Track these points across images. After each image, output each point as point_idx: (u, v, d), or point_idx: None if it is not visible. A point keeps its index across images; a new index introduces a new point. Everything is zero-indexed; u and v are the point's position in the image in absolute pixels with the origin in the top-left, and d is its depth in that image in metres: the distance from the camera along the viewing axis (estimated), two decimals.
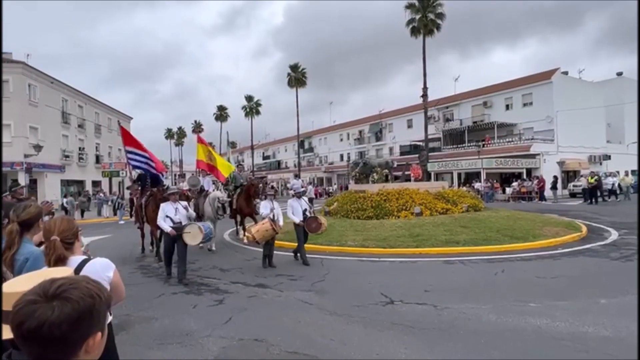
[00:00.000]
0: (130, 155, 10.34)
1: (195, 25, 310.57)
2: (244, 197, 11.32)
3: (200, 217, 10.10)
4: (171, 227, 7.10)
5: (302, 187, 21.59)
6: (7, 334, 1.09)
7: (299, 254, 8.50)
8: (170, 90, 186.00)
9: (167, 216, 7.16)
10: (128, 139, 10.58)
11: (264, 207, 8.25)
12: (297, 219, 8.22)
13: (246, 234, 10.71)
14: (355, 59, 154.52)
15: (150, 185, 10.27)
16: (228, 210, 11.29)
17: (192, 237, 7.15)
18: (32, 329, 0.83)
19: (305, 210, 8.41)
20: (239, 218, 12.12)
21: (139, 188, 10.87)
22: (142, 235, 10.66)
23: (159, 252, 9.36)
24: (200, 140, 12.83)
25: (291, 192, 14.13)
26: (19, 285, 1.19)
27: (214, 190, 11.59)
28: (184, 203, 7.73)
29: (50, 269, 1.76)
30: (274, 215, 8.03)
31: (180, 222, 7.21)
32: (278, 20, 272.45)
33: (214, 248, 10.29)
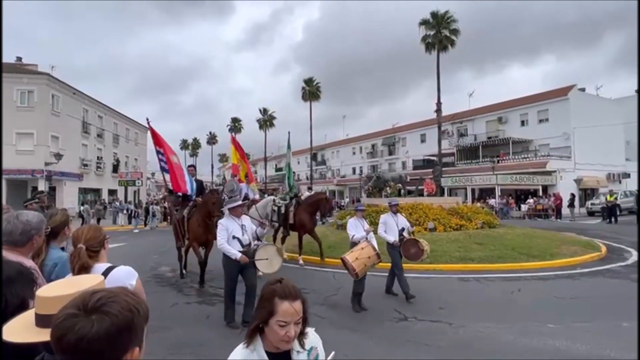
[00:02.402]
0: (161, 157, 8.72)
1: (220, 41, 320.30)
2: (308, 211, 9.50)
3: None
4: (240, 251, 5.22)
5: None
6: (42, 337, 1.12)
7: (389, 286, 6.92)
8: (192, 102, 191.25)
9: (234, 237, 5.29)
10: (157, 139, 8.76)
11: (353, 227, 6.39)
12: (392, 237, 6.56)
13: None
14: (372, 74, 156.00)
15: (195, 196, 8.55)
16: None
17: (269, 263, 5.37)
18: (71, 343, 0.83)
19: (403, 229, 6.72)
20: (280, 235, 10.31)
21: (180, 198, 8.90)
22: (180, 258, 8.79)
23: (185, 269, 8.69)
24: (234, 142, 10.98)
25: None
26: (54, 290, 1.22)
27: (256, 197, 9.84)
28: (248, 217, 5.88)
29: (84, 275, 1.81)
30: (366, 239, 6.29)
31: (250, 244, 5.40)
32: (298, 36, 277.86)
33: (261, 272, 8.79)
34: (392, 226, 6.68)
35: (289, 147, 12.25)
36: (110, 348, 0.85)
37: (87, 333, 0.83)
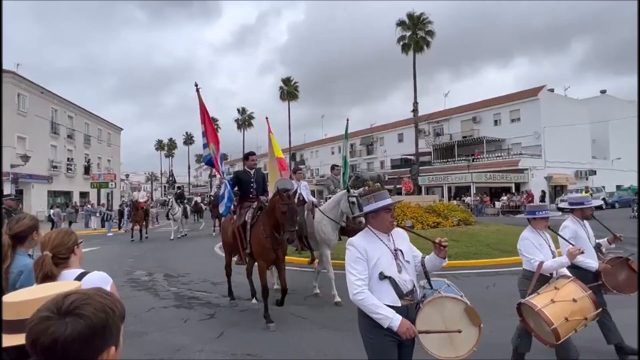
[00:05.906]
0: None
1: (206, 43, 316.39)
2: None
3: (306, 244, 6.53)
4: (397, 307, 2.36)
5: None
6: (9, 341, 1.08)
7: (620, 343, 4.12)
8: (174, 103, 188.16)
9: (384, 277, 2.37)
10: (203, 115, 6.50)
11: (533, 245, 3.75)
12: (594, 263, 3.98)
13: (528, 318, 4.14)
14: (353, 75, 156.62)
15: (255, 192, 6.19)
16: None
17: (449, 341, 2.47)
18: (45, 346, 0.84)
19: (599, 245, 4.33)
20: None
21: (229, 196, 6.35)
22: (229, 274, 6.59)
23: (256, 294, 6.29)
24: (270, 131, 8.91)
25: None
26: (23, 295, 1.18)
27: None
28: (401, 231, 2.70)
29: (60, 282, 1.75)
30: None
31: (413, 291, 2.48)
32: (283, 37, 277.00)
33: (316, 291, 6.93)
34: (584, 241, 4.05)
35: (346, 137, 9.81)
36: (85, 349, 0.86)
37: (60, 335, 0.83)
